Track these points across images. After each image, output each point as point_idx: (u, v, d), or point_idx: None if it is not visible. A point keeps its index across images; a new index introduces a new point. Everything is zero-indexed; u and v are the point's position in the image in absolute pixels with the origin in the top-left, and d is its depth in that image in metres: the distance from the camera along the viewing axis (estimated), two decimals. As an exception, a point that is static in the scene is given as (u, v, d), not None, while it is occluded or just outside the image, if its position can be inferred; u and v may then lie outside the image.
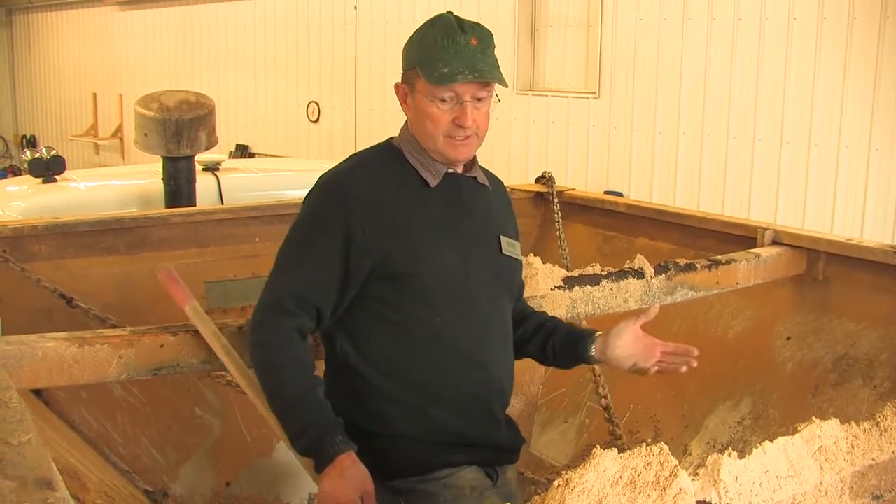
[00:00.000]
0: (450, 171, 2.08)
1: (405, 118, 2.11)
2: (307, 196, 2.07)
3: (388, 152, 2.11)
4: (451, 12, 2.05)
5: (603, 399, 3.29)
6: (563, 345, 2.22)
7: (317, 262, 1.97)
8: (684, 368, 2.14)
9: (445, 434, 2.01)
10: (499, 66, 2.02)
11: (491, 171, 2.25)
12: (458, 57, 1.94)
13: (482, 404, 2.06)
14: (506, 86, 2.01)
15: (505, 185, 2.34)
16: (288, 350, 1.95)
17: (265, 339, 1.96)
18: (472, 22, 2.02)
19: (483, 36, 2.00)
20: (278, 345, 1.95)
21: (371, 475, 2.01)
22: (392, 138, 2.15)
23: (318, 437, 1.90)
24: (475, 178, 2.14)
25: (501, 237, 2.14)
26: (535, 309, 2.45)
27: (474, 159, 2.15)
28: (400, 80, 2.08)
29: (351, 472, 1.89)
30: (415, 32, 2.05)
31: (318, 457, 1.90)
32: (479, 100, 2.00)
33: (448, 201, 2.07)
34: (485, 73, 1.96)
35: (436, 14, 2.05)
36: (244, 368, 2.10)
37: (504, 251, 2.14)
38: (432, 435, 2.00)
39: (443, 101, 1.98)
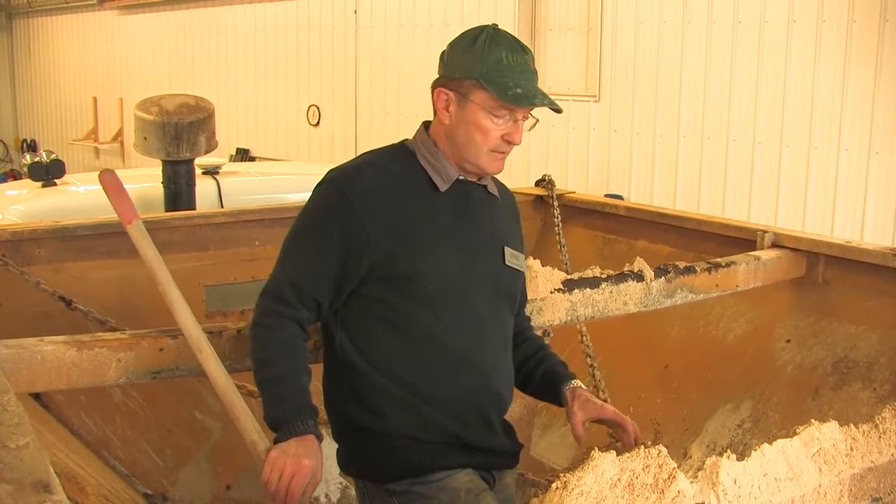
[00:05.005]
0: (461, 177, 2.08)
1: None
2: (315, 188, 2.07)
3: (400, 153, 2.11)
4: (496, 25, 2.05)
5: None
6: (542, 384, 2.25)
7: (316, 254, 1.98)
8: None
9: (440, 435, 2.01)
10: None
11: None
12: (524, 77, 1.98)
13: (477, 408, 2.05)
14: (560, 112, 2.05)
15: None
16: (283, 332, 1.97)
17: (262, 321, 1.99)
18: (522, 42, 2.05)
19: (533, 59, 2.04)
20: (275, 327, 1.97)
21: (367, 478, 2.04)
22: (406, 140, 2.14)
23: (296, 411, 1.89)
24: (485, 186, 2.14)
25: (505, 248, 2.14)
26: (534, 312, 2.45)
27: None
28: (441, 86, 2.03)
29: (316, 452, 1.88)
30: (463, 39, 2.02)
31: (288, 427, 1.87)
32: (526, 118, 2.04)
33: (455, 207, 2.07)
34: (553, 100, 2.01)
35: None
36: (204, 336, 2.06)
37: (507, 262, 2.13)
38: (427, 435, 2.00)
39: (498, 116, 1.99)
